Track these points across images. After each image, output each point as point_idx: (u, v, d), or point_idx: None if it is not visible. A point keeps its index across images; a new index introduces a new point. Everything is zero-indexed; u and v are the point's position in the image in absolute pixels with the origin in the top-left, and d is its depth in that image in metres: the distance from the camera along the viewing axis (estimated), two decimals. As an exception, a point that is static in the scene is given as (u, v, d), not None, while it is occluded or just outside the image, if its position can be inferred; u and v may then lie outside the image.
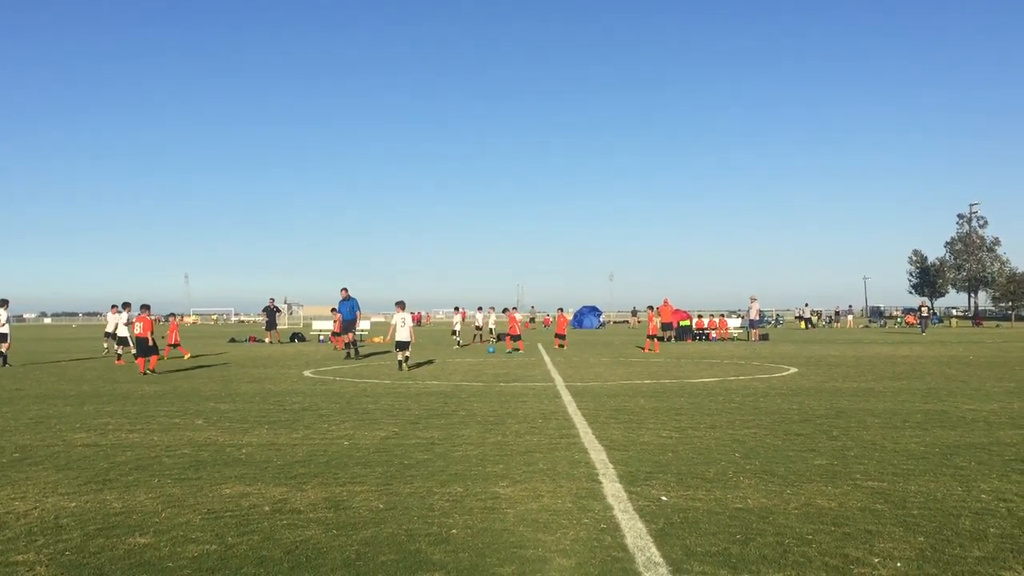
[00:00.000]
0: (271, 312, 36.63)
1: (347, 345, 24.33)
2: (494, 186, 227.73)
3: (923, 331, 46.59)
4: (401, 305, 19.76)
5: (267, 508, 5.84)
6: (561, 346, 29.67)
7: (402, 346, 19.09)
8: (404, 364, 18.95)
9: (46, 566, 4.60)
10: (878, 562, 4.55)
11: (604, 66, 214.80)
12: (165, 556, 4.74)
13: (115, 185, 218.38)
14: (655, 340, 28.37)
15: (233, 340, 40.61)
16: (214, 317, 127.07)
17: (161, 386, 15.42)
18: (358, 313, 25.01)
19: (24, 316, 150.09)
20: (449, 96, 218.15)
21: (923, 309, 51.57)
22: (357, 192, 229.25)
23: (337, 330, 32.50)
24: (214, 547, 4.90)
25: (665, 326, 36.34)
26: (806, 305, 67.00)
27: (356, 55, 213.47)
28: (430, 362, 21.69)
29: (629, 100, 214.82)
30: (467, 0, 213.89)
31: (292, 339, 38.24)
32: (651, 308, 30.26)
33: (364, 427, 9.78)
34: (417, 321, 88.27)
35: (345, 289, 24.80)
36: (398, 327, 19.28)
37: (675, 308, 37.71)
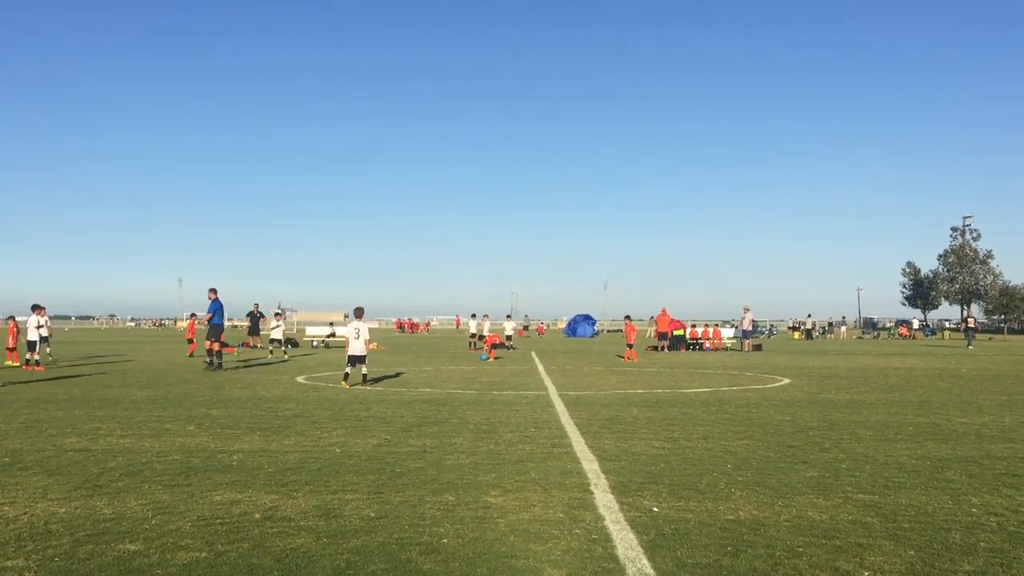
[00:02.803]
0: (255, 318, 37.07)
1: (210, 353, 22.41)
2: (489, 194, 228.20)
3: (969, 344, 43.34)
4: (359, 313, 16.92)
5: (258, 515, 5.82)
6: (489, 357, 29.12)
7: (355, 360, 16.43)
8: (363, 379, 16.46)
9: (35, 572, 4.58)
10: (868, 575, 4.57)
11: (601, 75, 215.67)
12: (155, 563, 4.72)
13: (111, 188, 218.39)
14: (632, 349, 28.90)
15: (225, 345, 40.38)
16: (204, 321, 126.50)
17: (153, 391, 15.37)
18: (208, 316, 23.09)
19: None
20: (446, 103, 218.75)
21: (969, 321, 47.31)
22: (352, 199, 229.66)
23: (190, 336, 31.91)
24: (204, 554, 4.89)
25: (661, 335, 36.37)
26: (808, 316, 65.17)
27: (352, 62, 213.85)
28: (397, 375, 19.91)
29: (625, 109, 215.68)
30: (465, 4, 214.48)
31: (285, 345, 38.21)
32: (628, 318, 30.89)
33: (356, 434, 9.76)
34: (414, 329, 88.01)
35: (214, 290, 22.70)
36: (351, 339, 16.57)
37: (671, 318, 37.73)
